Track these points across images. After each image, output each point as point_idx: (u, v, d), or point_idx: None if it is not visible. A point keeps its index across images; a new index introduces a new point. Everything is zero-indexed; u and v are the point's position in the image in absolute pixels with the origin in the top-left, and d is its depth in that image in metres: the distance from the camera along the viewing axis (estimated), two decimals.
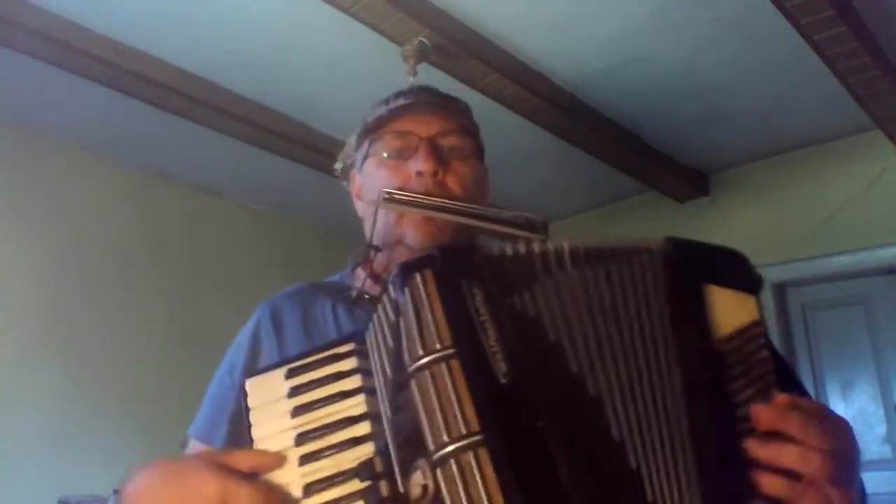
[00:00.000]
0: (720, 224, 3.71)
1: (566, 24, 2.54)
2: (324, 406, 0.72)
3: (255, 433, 0.72)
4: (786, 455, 0.65)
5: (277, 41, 2.59)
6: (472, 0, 2.40)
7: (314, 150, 3.17)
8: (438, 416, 0.61)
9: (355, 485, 0.66)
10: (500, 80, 2.70)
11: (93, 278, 3.18)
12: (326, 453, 0.69)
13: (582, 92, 2.95)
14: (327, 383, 0.73)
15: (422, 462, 0.61)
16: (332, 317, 0.99)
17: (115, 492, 0.76)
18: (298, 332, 0.98)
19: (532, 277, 0.69)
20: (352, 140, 1.14)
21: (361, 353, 0.74)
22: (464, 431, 0.60)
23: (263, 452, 0.70)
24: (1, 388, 2.82)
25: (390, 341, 0.68)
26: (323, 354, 0.76)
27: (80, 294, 3.12)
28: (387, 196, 0.93)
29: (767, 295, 3.35)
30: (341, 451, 0.69)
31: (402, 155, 1.00)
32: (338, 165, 2.23)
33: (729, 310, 0.71)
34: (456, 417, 0.61)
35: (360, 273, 1.02)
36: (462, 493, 0.58)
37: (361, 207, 1.08)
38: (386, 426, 0.68)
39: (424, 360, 0.63)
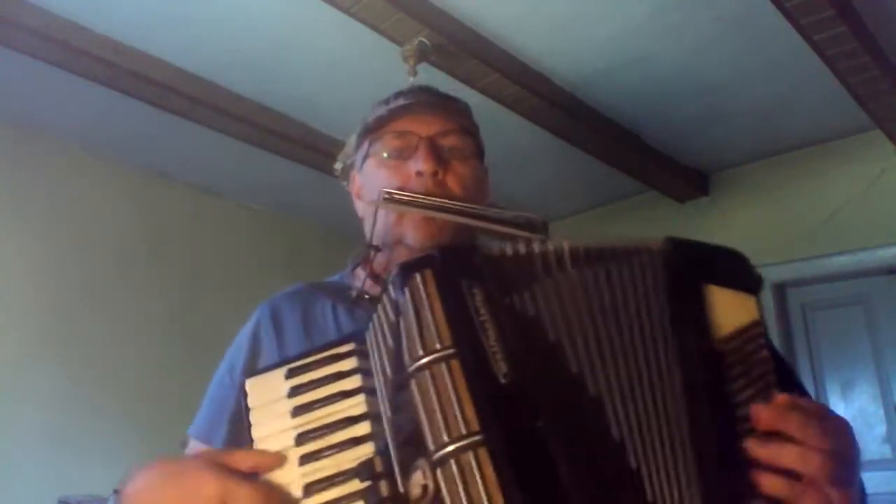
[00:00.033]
0: (720, 224, 3.71)
1: (566, 24, 2.54)
2: (324, 406, 0.72)
3: (255, 433, 0.72)
4: (786, 455, 0.65)
5: (277, 41, 2.59)
6: (472, 0, 2.40)
7: (314, 150, 3.17)
8: (438, 416, 0.61)
9: (355, 485, 0.66)
10: (500, 80, 2.70)
11: (93, 278, 3.18)
12: (326, 453, 0.69)
13: (582, 92, 2.95)
14: (327, 383, 0.73)
15: (422, 462, 0.61)
16: (332, 317, 0.99)
17: (115, 492, 0.76)
18: (298, 332, 0.98)
19: (532, 277, 0.69)
20: (352, 140, 1.14)
21: (361, 353, 0.74)
22: (464, 431, 0.60)
23: (264, 452, 0.70)
24: (1, 388, 2.82)
25: (390, 341, 0.68)
26: (323, 354, 0.76)
27: (80, 294, 3.12)
28: (387, 196, 0.93)
29: (767, 295, 3.35)
30: (341, 451, 0.69)
31: (402, 155, 1.00)
32: (338, 165, 2.23)
33: (729, 310, 0.71)
34: (456, 417, 0.61)
35: (360, 273, 1.02)
36: (462, 494, 0.58)
37: (361, 207, 1.08)
38: (386, 426, 0.68)
39: (424, 360, 0.63)
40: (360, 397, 0.72)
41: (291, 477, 0.69)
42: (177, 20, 2.47)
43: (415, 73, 2.48)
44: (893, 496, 2.87)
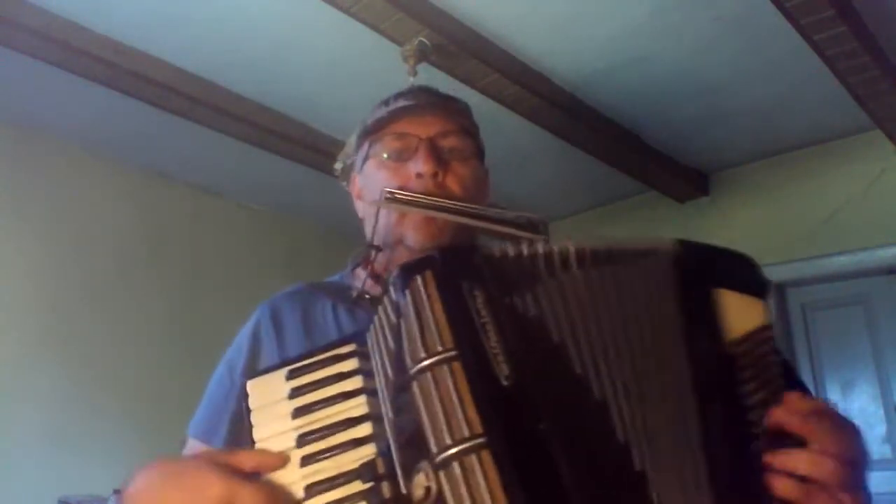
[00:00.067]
0: (720, 224, 3.70)
1: (566, 24, 2.54)
2: (325, 407, 0.72)
3: (256, 434, 0.72)
4: (799, 461, 0.65)
5: (277, 41, 2.59)
6: (472, 0, 2.40)
7: (314, 150, 3.17)
8: (441, 418, 0.61)
9: (357, 486, 0.66)
10: (500, 80, 2.69)
11: (93, 278, 3.18)
12: (327, 454, 0.69)
13: (582, 92, 2.95)
14: (328, 384, 0.73)
15: (424, 464, 0.61)
16: (333, 317, 0.99)
17: (116, 492, 0.76)
18: (299, 332, 0.98)
19: (535, 278, 0.69)
20: (352, 141, 1.14)
21: (362, 355, 0.74)
22: (466, 434, 0.60)
23: (266, 452, 0.70)
24: (1, 388, 2.82)
25: (391, 343, 0.68)
26: (324, 355, 0.76)
27: (80, 294, 3.12)
28: (388, 195, 0.93)
29: None
30: (343, 452, 0.69)
31: (401, 156, 1.00)
32: (338, 166, 2.23)
33: (738, 313, 0.71)
34: (458, 419, 0.61)
35: (361, 273, 1.02)
36: (465, 496, 0.58)
37: (362, 208, 1.08)
38: (387, 428, 0.68)
39: (426, 362, 0.64)
40: (362, 398, 0.72)
41: (293, 478, 0.69)
42: (177, 20, 2.47)
43: (415, 73, 2.47)
44: (893, 496, 2.87)
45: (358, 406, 0.71)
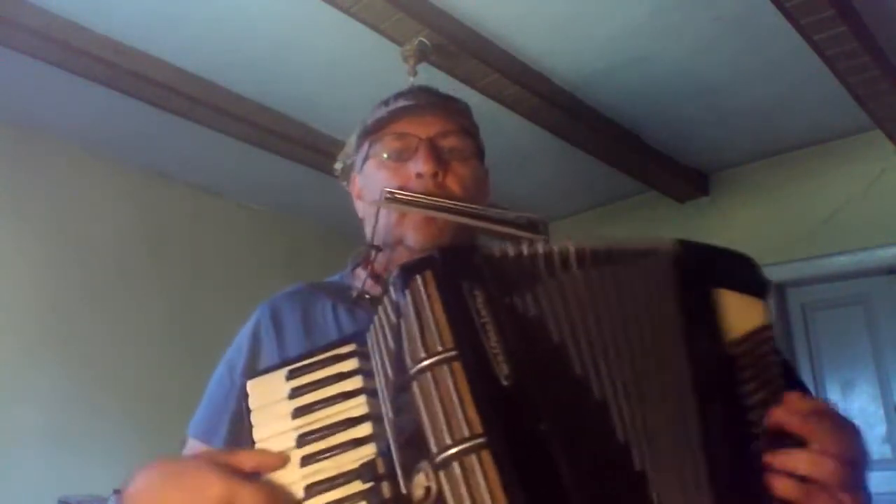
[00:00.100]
0: (720, 224, 3.70)
1: (566, 24, 2.54)
2: (325, 407, 0.72)
3: (256, 434, 0.72)
4: (799, 461, 0.65)
5: (277, 41, 2.59)
6: (472, 0, 2.40)
7: (314, 150, 3.17)
8: (441, 418, 0.61)
9: (357, 486, 0.66)
10: (500, 80, 2.69)
11: (93, 278, 3.18)
12: (328, 454, 0.69)
13: (582, 92, 2.95)
14: (328, 384, 0.73)
15: (424, 464, 0.61)
16: (333, 317, 0.99)
17: (116, 492, 0.76)
18: (299, 332, 0.98)
19: (534, 278, 0.69)
20: (352, 141, 1.14)
21: (362, 355, 0.74)
22: (466, 434, 0.60)
23: (267, 452, 0.70)
24: (1, 388, 2.82)
25: (391, 343, 0.68)
26: (324, 355, 0.76)
27: (80, 294, 3.12)
28: (389, 195, 0.93)
29: None
30: (342, 452, 0.69)
31: (401, 156, 1.00)
32: (338, 166, 2.23)
33: (738, 313, 0.71)
34: (458, 419, 0.61)
35: (361, 273, 1.02)
36: (465, 496, 0.58)
37: (362, 208, 1.08)
38: (387, 428, 0.68)
39: (426, 362, 0.63)
40: (361, 398, 0.72)
41: (293, 478, 0.69)
42: (177, 20, 2.47)
43: (415, 73, 2.47)
44: (893, 496, 2.87)
45: (358, 406, 0.71)
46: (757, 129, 3.35)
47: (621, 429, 0.65)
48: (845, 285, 3.48)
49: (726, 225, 3.68)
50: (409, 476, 0.63)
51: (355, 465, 0.67)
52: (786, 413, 0.67)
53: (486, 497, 0.58)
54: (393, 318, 0.69)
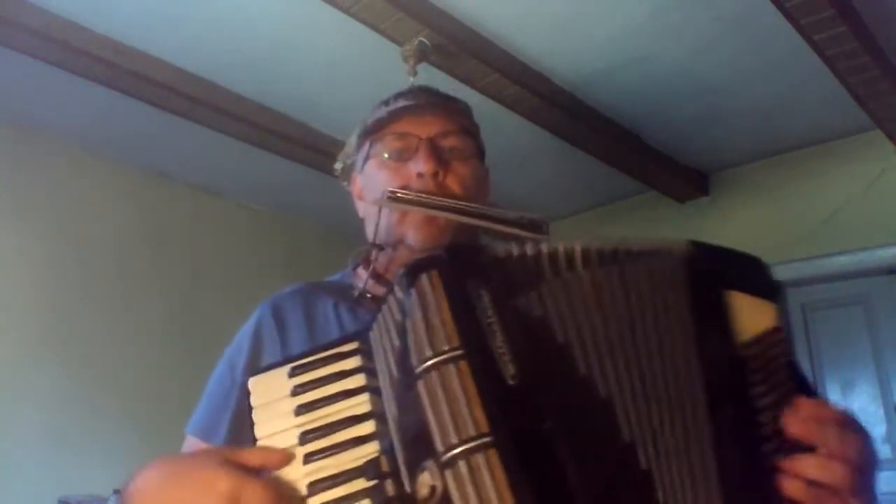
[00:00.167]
0: (720, 224, 3.70)
1: (566, 24, 2.54)
2: (327, 405, 0.72)
3: (258, 432, 0.72)
4: (809, 465, 0.65)
5: (277, 41, 2.59)
6: (472, 0, 2.40)
7: (314, 150, 3.17)
8: (447, 416, 0.61)
9: (360, 484, 0.66)
10: (500, 80, 2.69)
11: (93, 278, 3.18)
12: (330, 452, 0.69)
13: (582, 92, 2.95)
14: (331, 382, 0.73)
15: (429, 463, 0.61)
16: (335, 316, 0.99)
17: (116, 492, 0.76)
18: (302, 330, 0.98)
19: (540, 278, 0.69)
20: (352, 141, 1.15)
21: (365, 353, 0.74)
22: (473, 433, 0.60)
23: (271, 449, 0.70)
24: (1, 388, 2.82)
25: (396, 341, 0.68)
26: (326, 353, 0.75)
27: (80, 294, 3.12)
28: (390, 195, 0.93)
29: None
30: (345, 450, 0.69)
31: (402, 156, 1.00)
32: (338, 166, 2.23)
33: (750, 315, 0.71)
34: (465, 418, 0.61)
35: (362, 272, 1.03)
36: (472, 494, 0.58)
37: (362, 208, 1.08)
38: (391, 426, 0.67)
39: (432, 361, 0.63)
40: (364, 396, 0.72)
41: (295, 476, 0.68)
42: (177, 20, 2.47)
43: (415, 73, 2.48)
44: (893, 496, 2.87)
45: (361, 404, 0.71)
46: (757, 129, 3.35)
47: (627, 428, 0.65)
48: (845, 285, 3.48)
49: (726, 225, 3.68)
50: (413, 474, 0.62)
51: (358, 463, 0.67)
52: (796, 419, 0.67)
53: (493, 496, 0.58)
54: (398, 316, 0.69)
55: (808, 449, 0.66)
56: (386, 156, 1.01)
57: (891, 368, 3.34)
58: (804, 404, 0.68)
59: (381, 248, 0.98)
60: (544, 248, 0.71)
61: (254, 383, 0.76)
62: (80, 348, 3.06)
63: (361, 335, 0.76)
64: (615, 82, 2.88)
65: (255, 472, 0.68)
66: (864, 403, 3.38)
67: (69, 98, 2.85)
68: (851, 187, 3.39)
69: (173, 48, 2.63)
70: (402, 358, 0.66)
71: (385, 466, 0.66)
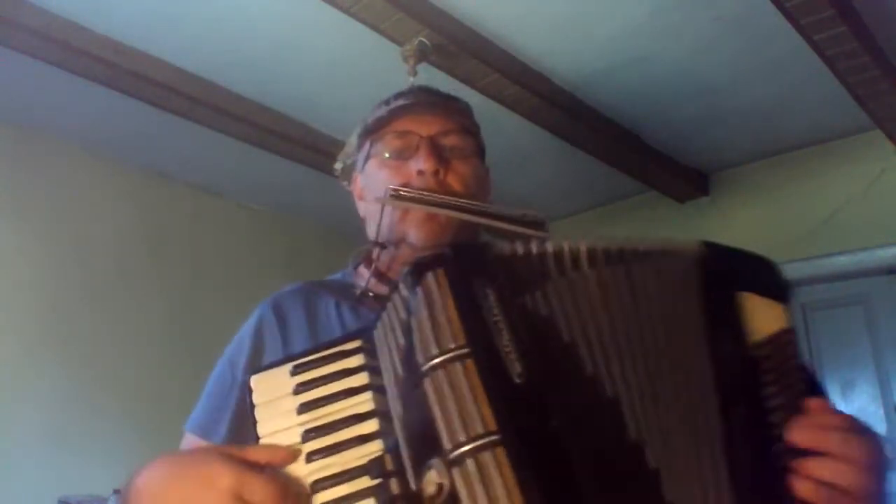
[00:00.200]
0: (720, 224, 3.70)
1: (566, 24, 2.54)
2: (330, 403, 0.72)
3: (260, 430, 0.72)
4: (820, 467, 0.65)
5: (277, 41, 2.59)
6: (472, 0, 2.40)
7: (314, 150, 3.16)
8: (454, 415, 0.61)
9: (364, 482, 0.66)
10: (500, 80, 2.69)
11: (93, 278, 3.17)
12: (333, 450, 0.69)
13: (582, 92, 2.95)
14: (334, 380, 0.73)
15: (436, 461, 0.61)
16: (336, 314, 0.99)
17: (116, 492, 0.76)
18: (304, 329, 0.98)
19: (545, 277, 0.69)
20: (352, 140, 1.15)
21: (368, 351, 0.74)
22: (480, 431, 0.60)
23: (276, 447, 0.70)
24: (1, 388, 2.82)
25: (401, 339, 0.68)
26: (329, 351, 0.75)
27: (80, 294, 3.12)
28: (393, 193, 0.93)
29: None
30: (349, 448, 0.69)
31: (402, 155, 1.00)
32: (338, 165, 2.23)
33: (761, 316, 0.71)
34: (472, 417, 0.61)
35: (364, 271, 1.03)
36: (480, 493, 0.58)
37: (363, 208, 1.09)
38: (396, 424, 0.67)
39: (439, 359, 0.63)
40: (367, 395, 0.71)
41: (299, 474, 0.68)
42: (177, 20, 2.47)
43: (415, 73, 2.47)
44: (894, 496, 2.87)
45: (364, 402, 0.71)
46: (757, 129, 3.35)
47: (634, 427, 0.65)
48: (845, 285, 3.47)
49: (726, 225, 3.68)
50: (418, 473, 0.62)
51: (362, 462, 0.67)
52: (809, 427, 0.67)
53: (502, 493, 0.58)
54: (403, 314, 0.69)
55: (820, 451, 0.66)
56: (387, 155, 1.01)
57: (891, 368, 3.34)
58: (815, 408, 0.68)
59: (382, 246, 0.98)
60: (549, 247, 0.71)
61: (256, 381, 0.76)
62: (80, 348, 3.06)
63: (364, 333, 0.76)
64: (615, 82, 2.88)
65: (259, 469, 0.68)
66: (864, 403, 3.38)
67: (69, 98, 2.85)
68: (851, 187, 3.39)
69: (173, 48, 2.63)
70: (408, 356, 0.66)
71: (389, 465, 0.66)
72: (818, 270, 3.46)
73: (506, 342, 0.64)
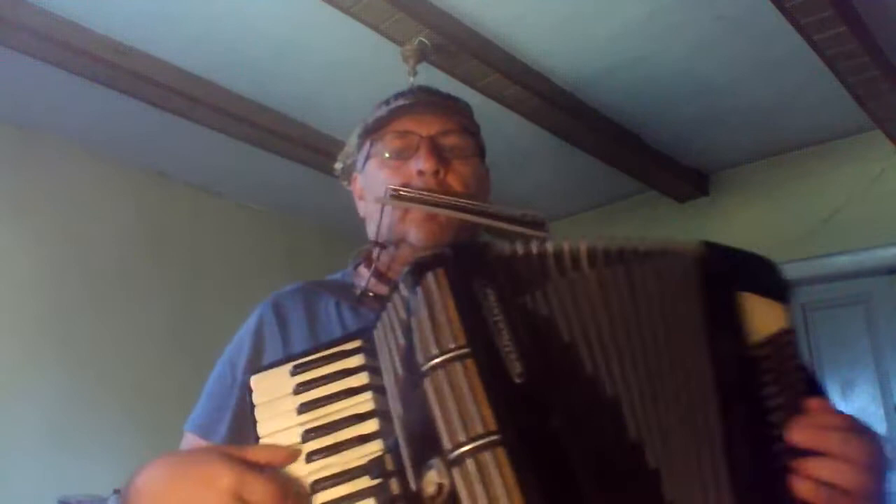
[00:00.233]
0: (720, 224, 3.70)
1: (566, 24, 2.53)
2: (330, 403, 0.72)
3: (260, 430, 0.72)
4: (821, 467, 0.65)
5: (277, 41, 2.59)
6: (471, 0, 2.40)
7: (314, 150, 3.16)
8: (454, 415, 0.61)
9: (364, 482, 0.66)
10: (500, 80, 2.69)
11: (93, 278, 3.17)
12: (334, 450, 0.69)
13: (582, 92, 2.95)
14: (334, 380, 0.73)
15: (436, 461, 0.61)
16: (336, 314, 0.99)
17: (116, 491, 0.75)
18: (303, 328, 0.98)
19: (545, 277, 0.69)
20: (352, 140, 1.15)
21: (368, 351, 0.74)
22: (481, 431, 0.60)
23: (276, 447, 0.70)
24: (1, 388, 2.82)
25: (401, 339, 0.68)
26: (329, 351, 0.75)
27: (80, 294, 3.12)
28: (393, 193, 0.93)
29: None
30: (349, 448, 0.69)
31: (403, 155, 1.00)
32: (338, 165, 2.22)
33: (761, 316, 0.71)
34: (472, 416, 0.61)
35: (364, 271, 1.03)
36: (480, 492, 0.58)
37: (363, 208, 1.09)
38: (396, 424, 0.67)
39: (439, 359, 0.63)
40: (367, 395, 0.71)
41: (299, 474, 0.68)
42: (177, 20, 2.47)
43: (415, 73, 2.47)
44: (894, 496, 2.87)
45: (364, 402, 0.71)
46: (757, 129, 3.35)
47: (634, 427, 0.65)
48: (845, 285, 3.47)
49: (726, 225, 3.68)
50: (418, 472, 0.62)
51: (362, 462, 0.67)
52: (808, 428, 0.67)
53: (501, 493, 0.58)
54: (403, 314, 0.68)
55: (820, 452, 0.66)
56: (387, 154, 1.01)
57: (891, 368, 3.34)
58: (815, 408, 0.68)
59: (382, 246, 0.98)
60: (549, 247, 0.70)
61: (256, 381, 0.76)
62: (80, 348, 3.06)
63: (364, 333, 0.76)
64: (615, 82, 2.88)
65: (259, 469, 0.67)
66: (864, 403, 3.38)
67: (69, 98, 2.85)
68: (851, 187, 3.39)
69: (173, 48, 2.63)
70: (408, 356, 0.66)
71: (389, 465, 0.66)
72: (818, 270, 3.45)
73: (506, 342, 0.64)
